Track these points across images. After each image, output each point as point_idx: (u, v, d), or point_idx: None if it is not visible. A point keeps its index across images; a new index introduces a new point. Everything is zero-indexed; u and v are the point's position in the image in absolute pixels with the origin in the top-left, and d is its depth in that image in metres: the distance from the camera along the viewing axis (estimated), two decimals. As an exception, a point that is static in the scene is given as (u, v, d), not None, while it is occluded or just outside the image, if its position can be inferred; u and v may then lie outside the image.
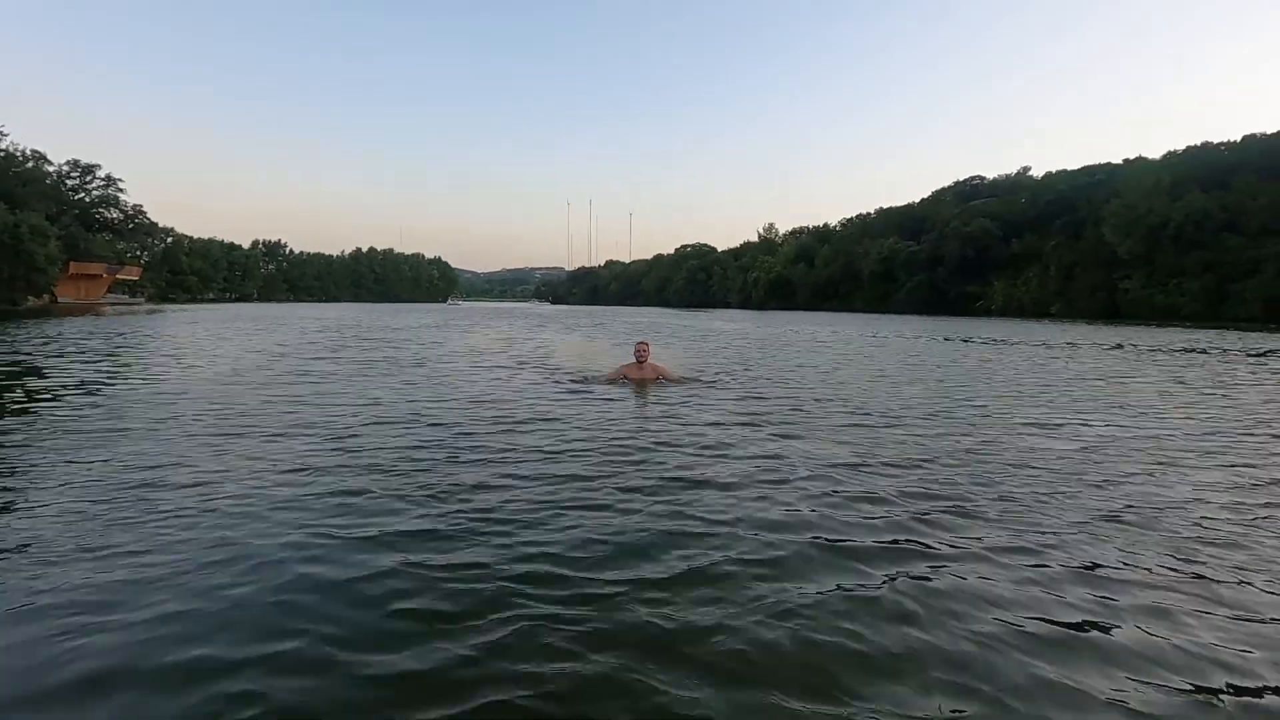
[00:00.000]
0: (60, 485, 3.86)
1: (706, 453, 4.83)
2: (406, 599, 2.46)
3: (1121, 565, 2.93)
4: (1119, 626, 2.39)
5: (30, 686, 1.93)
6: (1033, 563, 2.93)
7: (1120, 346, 18.94)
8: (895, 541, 3.15)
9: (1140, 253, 52.23)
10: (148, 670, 2.00)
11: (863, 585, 2.66)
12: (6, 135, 52.88)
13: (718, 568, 2.77)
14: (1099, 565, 2.92)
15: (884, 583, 2.67)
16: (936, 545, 3.13)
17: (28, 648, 2.13)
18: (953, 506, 3.69)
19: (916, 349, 17.35)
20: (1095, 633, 2.34)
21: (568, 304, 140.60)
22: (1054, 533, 3.31)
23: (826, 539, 3.15)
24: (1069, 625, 2.38)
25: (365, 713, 1.84)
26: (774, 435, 5.59)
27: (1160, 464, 4.85)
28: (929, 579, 2.73)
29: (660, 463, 4.49)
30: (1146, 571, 2.87)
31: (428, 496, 3.66)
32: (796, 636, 2.24)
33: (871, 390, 8.83)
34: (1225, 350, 17.74)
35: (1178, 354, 16.31)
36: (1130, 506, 3.77)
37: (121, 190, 69.06)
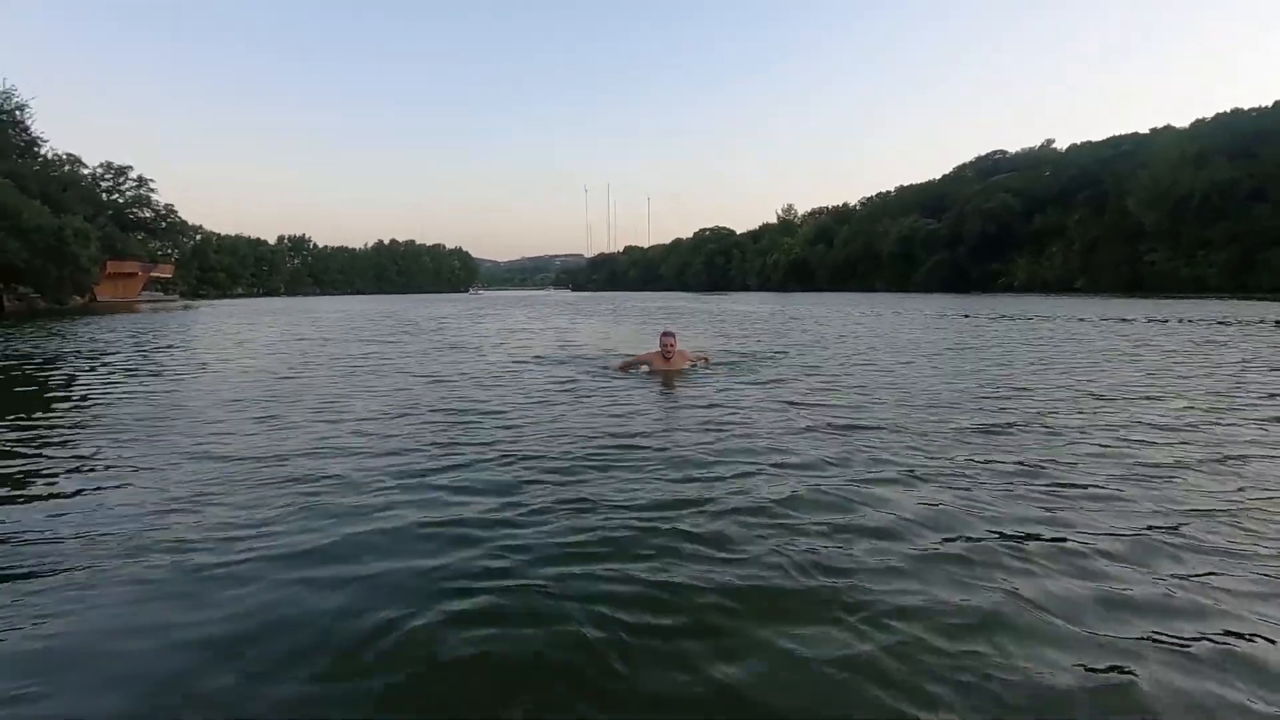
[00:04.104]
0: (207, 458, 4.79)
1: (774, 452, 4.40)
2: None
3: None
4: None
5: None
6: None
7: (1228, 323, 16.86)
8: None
9: (1165, 225, 51.52)
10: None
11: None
12: (46, 141, 54.79)
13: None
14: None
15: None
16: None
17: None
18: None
19: (977, 327, 17.20)
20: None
21: (587, 290, 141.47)
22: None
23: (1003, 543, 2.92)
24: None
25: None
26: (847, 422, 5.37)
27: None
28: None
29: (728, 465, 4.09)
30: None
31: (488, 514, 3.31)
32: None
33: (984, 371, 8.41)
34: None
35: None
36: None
37: (153, 190, 71.43)
